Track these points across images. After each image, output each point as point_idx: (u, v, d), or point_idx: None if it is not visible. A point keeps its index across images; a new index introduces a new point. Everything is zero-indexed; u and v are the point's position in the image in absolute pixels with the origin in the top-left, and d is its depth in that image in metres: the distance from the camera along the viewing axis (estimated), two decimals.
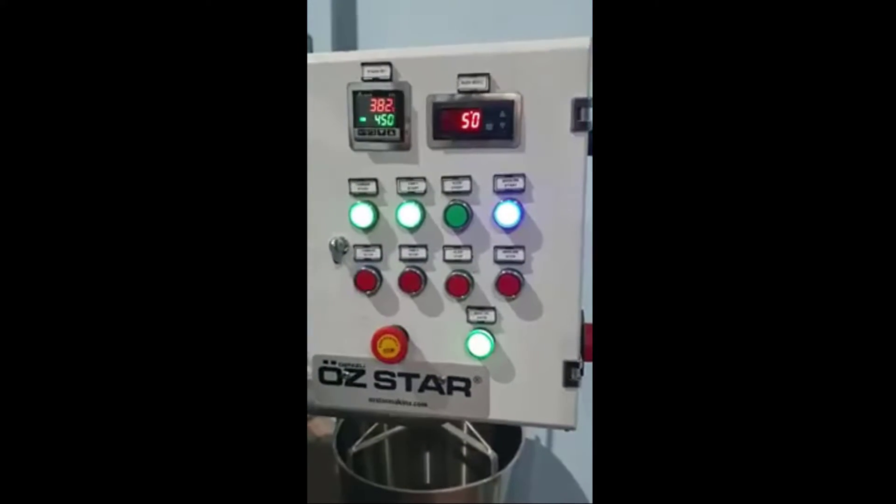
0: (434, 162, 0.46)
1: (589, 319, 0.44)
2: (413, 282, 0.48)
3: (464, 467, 0.96)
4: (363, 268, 0.49)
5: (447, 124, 0.45)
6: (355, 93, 0.46)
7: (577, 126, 0.43)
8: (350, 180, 0.48)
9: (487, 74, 0.43)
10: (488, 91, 0.44)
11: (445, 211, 0.46)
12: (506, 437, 0.88)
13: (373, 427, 0.84)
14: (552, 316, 0.47)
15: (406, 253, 0.48)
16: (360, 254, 0.49)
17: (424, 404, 0.50)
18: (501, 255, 0.46)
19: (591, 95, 0.42)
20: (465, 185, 0.46)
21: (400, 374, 0.50)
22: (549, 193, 0.45)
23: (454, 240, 0.47)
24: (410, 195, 0.47)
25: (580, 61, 0.42)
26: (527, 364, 0.48)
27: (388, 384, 0.51)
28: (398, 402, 0.51)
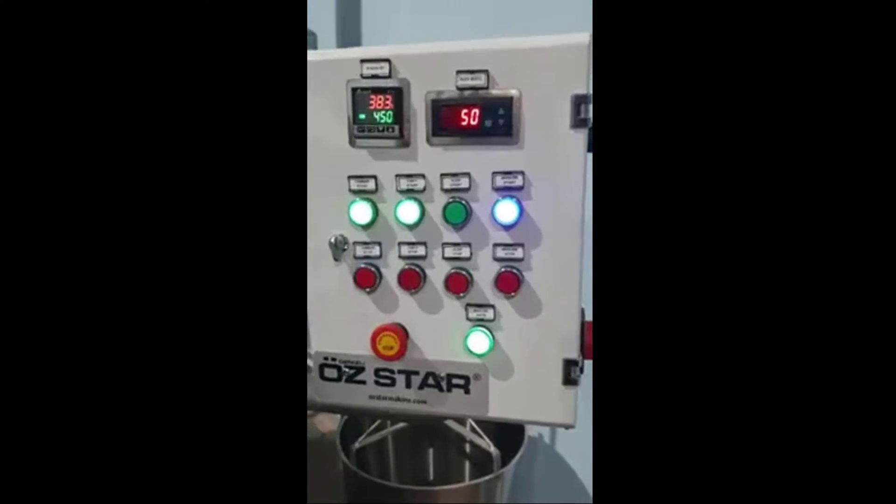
0: (433, 159, 0.46)
1: (589, 317, 0.44)
2: (412, 279, 0.48)
3: (467, 464, 0.96)
4: (363, 265, 0.49)
5: (446, 121, 0.45)
6: (354, 90, 0.46)
7: (577, 123, 0.43)
8: (349, 177, 0.48)
9: (486, 71, 0.43)
10: (487, 88, 0.44)
11: (444, 208, 0.46)
12: (508, 434, 0.88)
13: (376, 423, 0.84)
14: (552, 313, 0.46)
15: (405, 250, 0.48)
16: (360, 251, 0.49)
17: (424, 401, 0.50)
18: (501, 253, 0.46)
19: (590, 92, 0.42)
20: (464, 183, 0.46)
21: (399, 372, 0.50)
22: (549, 191, 0.44)
23: (453, 237, 0.47)
24: (409, 192, 0.47)
25: (580, 57, 0.42)
26: (526, 362, 0.48)
27: (388, 381, 0.51)
28: (398, 399, 0.51)
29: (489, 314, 0.47)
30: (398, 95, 0.45)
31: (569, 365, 0.47)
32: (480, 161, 0.45)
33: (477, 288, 0.47)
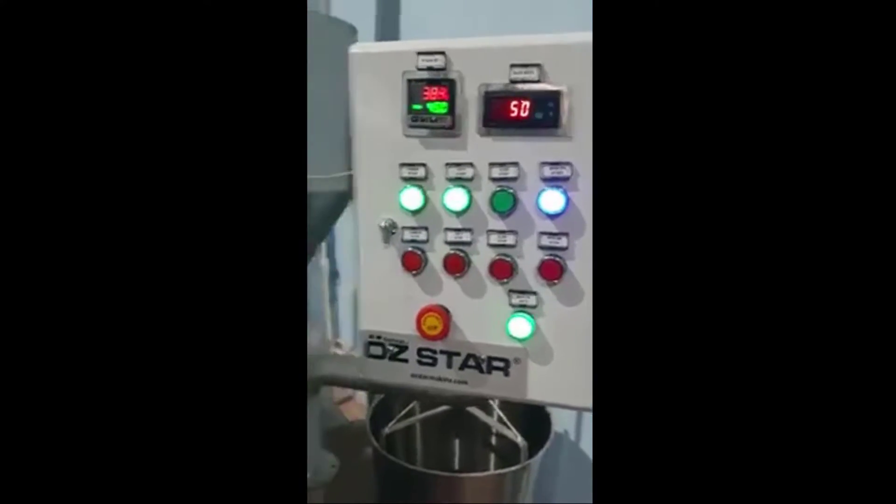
0: (482, 149, 0.48)
1: None
2: (457, 264, 0.50)
3: (491, 455, 0.98)
4: (410, 248, 0.51)
5: (496, 113, 0.47)
6: (410, 80, 0.48)
7: None
8: (401, 165, 0.50)
9: (539, 65, 0.45)
10: (539, 81, 0.45)
11: (492, 196, 0.48)
12: (535, 427, 0.90)
13: (406, 409, 0.86)
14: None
15: (451, 236, 0.50)
16: (408, 235, 0.51)
17: (465, 382, 0.52)
18: (545, 241, 0.48)
19: None
20: (512, 172, 0.47)
21: (442, 352, 0.52)
22: None
23: (499, 224, 0.49)
24: (458, 180, 0.49)
25: None
26: (565, 348, 0.49)
27: (430, 361, 0.53)
28: (439, 378, 0.53)
29: (531, 300, 0.49)
30: (452, 87, 0.47)
31: None
32: (528, 151, 0.47)
33: (520, 275, 0.49)
